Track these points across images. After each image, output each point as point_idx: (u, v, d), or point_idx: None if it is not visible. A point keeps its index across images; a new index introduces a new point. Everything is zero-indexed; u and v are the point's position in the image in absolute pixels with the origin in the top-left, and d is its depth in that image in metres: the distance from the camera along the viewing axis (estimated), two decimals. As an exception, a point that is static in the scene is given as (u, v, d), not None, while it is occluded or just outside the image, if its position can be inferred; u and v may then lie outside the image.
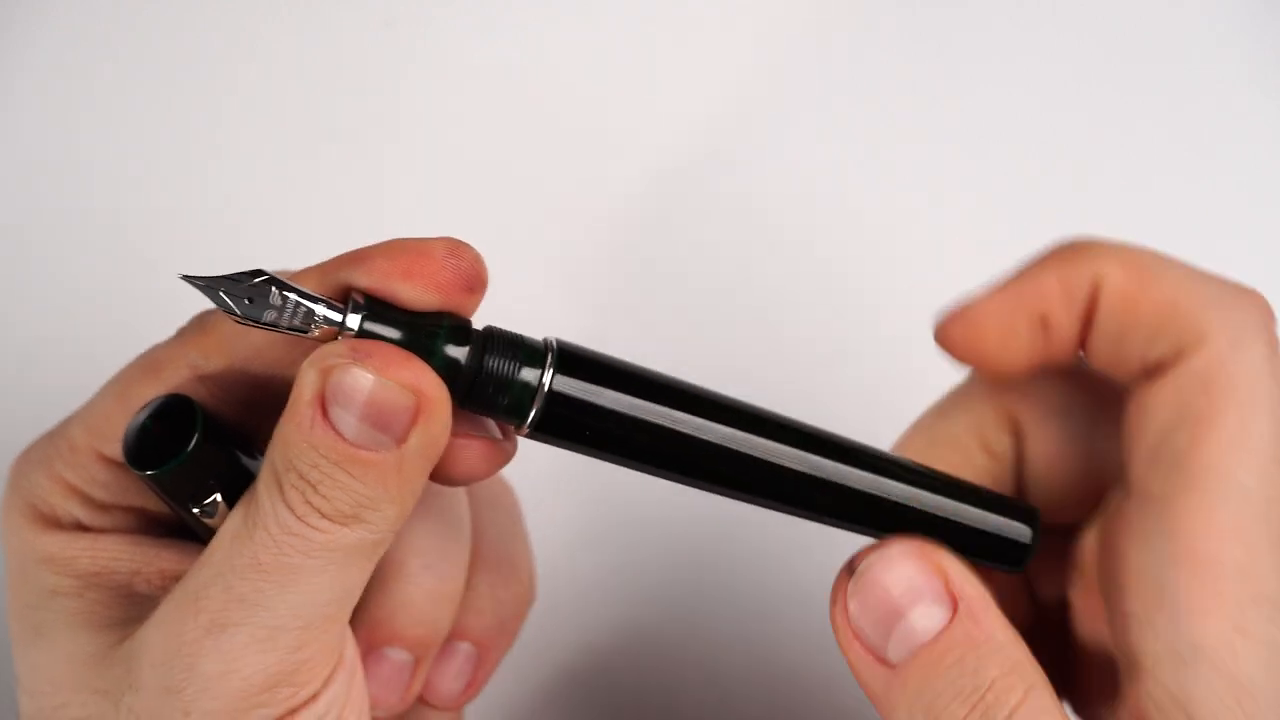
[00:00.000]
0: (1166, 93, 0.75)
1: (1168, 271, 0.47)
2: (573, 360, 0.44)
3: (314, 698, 0.44)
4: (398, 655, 0.49)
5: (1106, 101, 0.75)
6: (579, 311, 0.72)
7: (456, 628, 0.50)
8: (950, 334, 0.50)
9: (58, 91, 0.72)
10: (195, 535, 0.46)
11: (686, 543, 0.69)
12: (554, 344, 0.44)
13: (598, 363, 0.44)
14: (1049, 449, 0.50)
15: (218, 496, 0.44)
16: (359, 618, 0.47)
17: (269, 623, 0.42)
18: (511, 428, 0.45)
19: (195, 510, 0.44)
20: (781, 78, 0.75)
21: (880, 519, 0.47)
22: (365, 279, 0.42)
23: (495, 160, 0.74)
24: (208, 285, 0.42)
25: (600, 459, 0.45)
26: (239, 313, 0.42)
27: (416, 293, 0.42)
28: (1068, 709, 0.50)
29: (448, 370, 0.42)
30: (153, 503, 0.47)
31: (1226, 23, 0.75)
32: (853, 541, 0.47)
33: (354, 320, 0.42)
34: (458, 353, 0.43)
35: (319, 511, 0.41)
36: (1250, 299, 0.46)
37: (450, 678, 0.51)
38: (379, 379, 0.41)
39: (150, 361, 0.46)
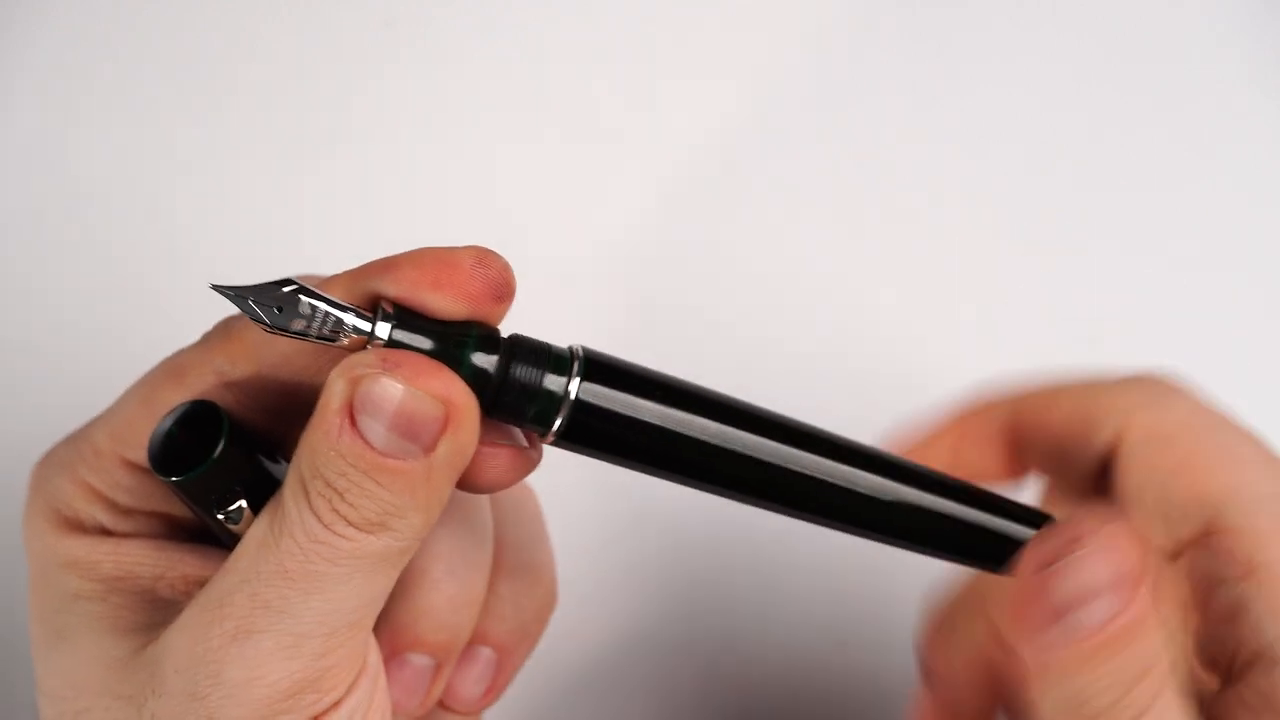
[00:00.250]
0: (1166, 93, 0.75)
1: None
2: (599, 368, 0.44)
3: (338, 704, 0.44)
4: (419, 660, 0.49)
5: (1106, 101, 0.75)
6: (579, 311, 0.72)
7: (478, 632, 0.50)
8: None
9: (58, 91, 0.72)
10: (219, 540, 0.46)
11: (706, 544, 0.69)
12: (580, 351, 0.44)
13: (624, 371, 0.44)
14: None
15: (243, 503, 0.44)
16: (381, 622, 0.47)
17: (294, 630, 0.42)
18: (536, 435, 0.45)
19: (220, 516, 0.44)
20: (781, 78, 0.75)
21: (917, 532, 0.47)
22: (394, 288, 0.42)
23: (495, 160, 0.74)
24: (237, 295, 0.42)
25: (626, 467, 0.45)
26: (268, 322, 0.42)
27: (445, 302, 0.42)
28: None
29: (476, 380, 0.42)
30: (176, 507, 0.47)
31: (1226, 23, 0.75)
32: (878, 546, 0.48)
33: (383, 329, 0.42)
34: (486, 362, 0.43)
35: (345, 519, 0.42)
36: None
37: (471, 682, 0.51)
38: (408, 389, 0.41)
39: (175, 367, 0.46)
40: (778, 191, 0.74)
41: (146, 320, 0.69)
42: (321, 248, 0.71)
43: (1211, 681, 0.50)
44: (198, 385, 0.45)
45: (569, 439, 0.44)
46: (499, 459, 0.44)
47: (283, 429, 0.45)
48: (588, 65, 0.75)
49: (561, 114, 0.74)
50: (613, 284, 0.73)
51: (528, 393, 0.43)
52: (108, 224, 0.71)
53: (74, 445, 0.47)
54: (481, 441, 0.43)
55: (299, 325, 0.42)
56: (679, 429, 0.44)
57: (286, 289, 0.42)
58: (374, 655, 0.45)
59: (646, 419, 0.44)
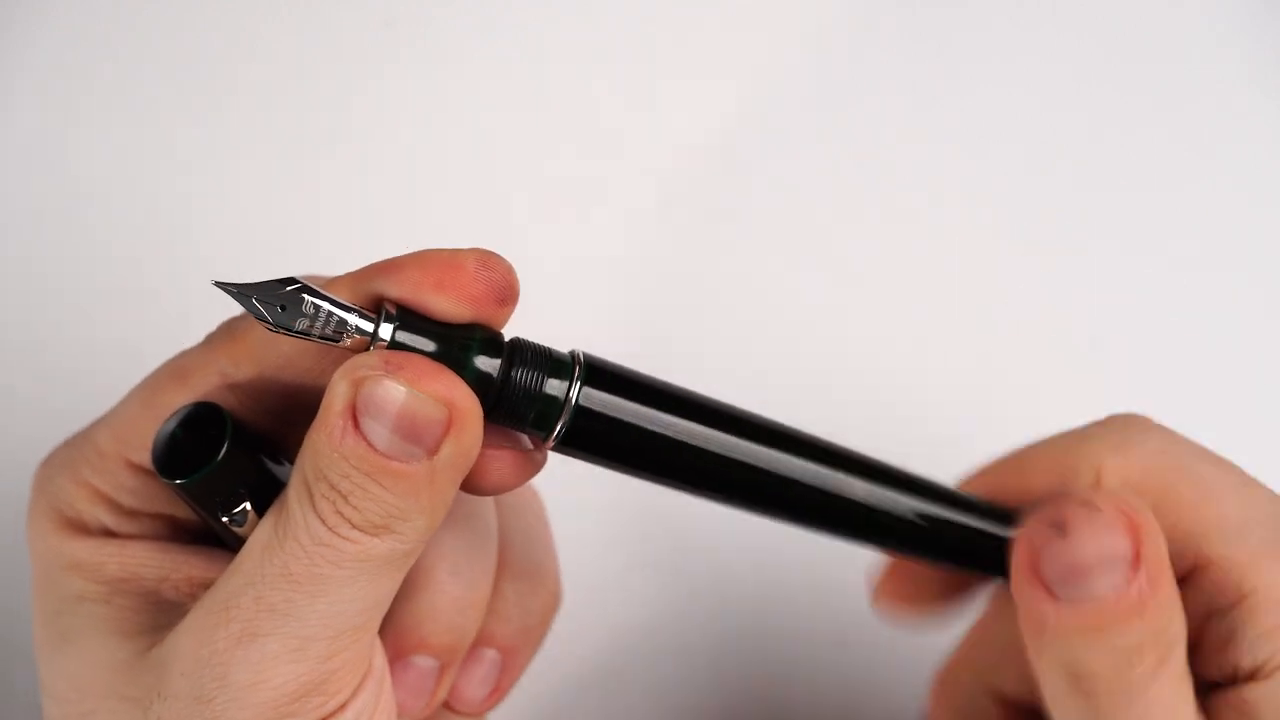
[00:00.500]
0: (1166, 93, 0.75)
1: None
2: (599, 374, 0.44)
3: (343, 707, 0.44)
4: (424, 662, 0.49)
5: (1106, 101, 0.75)
6: (578, 312, 0.72)
7: (482, 634, 0.50)
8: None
9: (58, 91, 0.72)
10: (223, 542, 0.46)
11: (708, 544, 0.69)
12: (581, 357, 0.44)
13: (625, 377, 0.44)
14: None
15: (247, 505, 0.44)
16: (386, 624, 0.47)
17: (300, 633, 0.42)
18: (539, 440, 0.45)
19: (224, 519, 0.44)
20: (781, 78, 0.75)
21: (912, 543, 0.48)
22: (397, 290, 0.42)
23: (496, 161, 0.74)
24: (240, 292, 0.42)
25: (626, 474, 0.45)
26: (271, 320, 0.42)
27: (448, 305, 0.42)
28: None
29: (479, 383, 0.42)
30: (180, 509, 0.47)
31: (1226, 23, 0.75)
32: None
33: (386, 331, 0.42)
34: (489, 365, 0.43)
35: (350, 522, 0.42)
36: None
37: (475, 684, 0.51)
38: (411, 391, 0.41)
39: (178, 368, 0.46)
40: (778, 192, 0.74)
41: (147, 320, 0.69)
42: (322, 248, 0.71)
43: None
44: (201, 387, 0.45)
45: (569, 444, 0.44)
46: (503, 462, 0.44)
47: (286, 431, 0.45)
48: (588, 65, 0.75)
49: (561, 114, 0.74)
50: (612, 283, 0.73)
51: (529, 397, 0.43)
52: (108, 224, 0.71)
53: (77, 446, 0.47)
54: (485, 444, 0.43)
55: (302, 325, 0.42)
56: (679, 437, 0.44)
57: (290, 288, 0.42)
58: (379, 657, 0.45)
59: (647, 426, 0.44)
